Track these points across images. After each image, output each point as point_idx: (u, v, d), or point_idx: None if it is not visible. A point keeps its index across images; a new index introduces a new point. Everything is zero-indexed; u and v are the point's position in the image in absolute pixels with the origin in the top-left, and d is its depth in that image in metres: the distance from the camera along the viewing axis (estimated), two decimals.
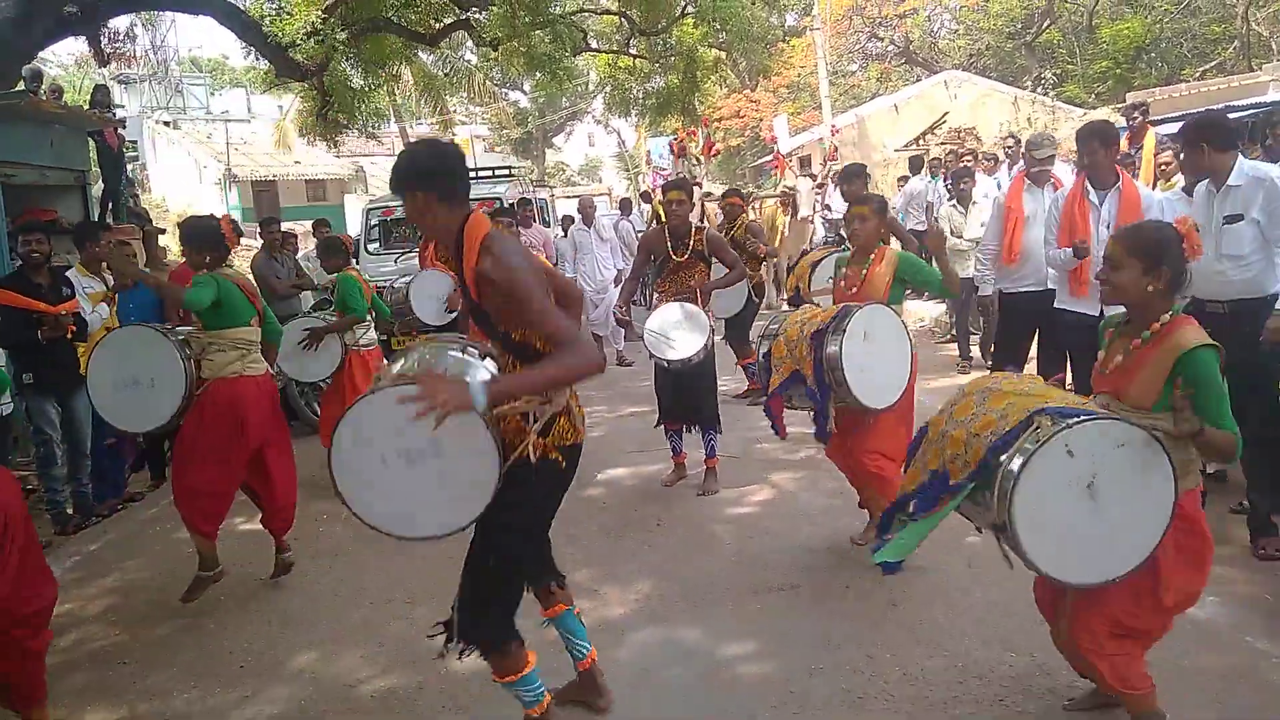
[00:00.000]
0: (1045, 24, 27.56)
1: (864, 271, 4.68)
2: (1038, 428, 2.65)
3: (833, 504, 5.55)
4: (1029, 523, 2.62)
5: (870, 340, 4.33)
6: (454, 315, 7.36)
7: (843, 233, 6.66)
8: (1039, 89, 24.99)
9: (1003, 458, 2.67)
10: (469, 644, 2.97)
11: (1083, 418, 2.62)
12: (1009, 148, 10.54)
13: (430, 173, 2.86)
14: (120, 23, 14.93)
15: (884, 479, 4.48)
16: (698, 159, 19.15)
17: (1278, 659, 3.48)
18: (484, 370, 3.10)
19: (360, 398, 2.92)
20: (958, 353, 9.10)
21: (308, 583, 5.01)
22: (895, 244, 5.09)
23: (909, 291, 4.99)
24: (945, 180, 10.13)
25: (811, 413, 4.57)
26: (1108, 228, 4.97)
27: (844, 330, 4.27)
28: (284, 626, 4.47)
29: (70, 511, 6.25)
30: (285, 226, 10.74)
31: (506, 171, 13.54)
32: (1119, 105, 17.29)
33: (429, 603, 4.52)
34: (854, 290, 4.67)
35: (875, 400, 4.39)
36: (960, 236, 8.54)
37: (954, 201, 8.90)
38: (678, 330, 5.75)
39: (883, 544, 3.16)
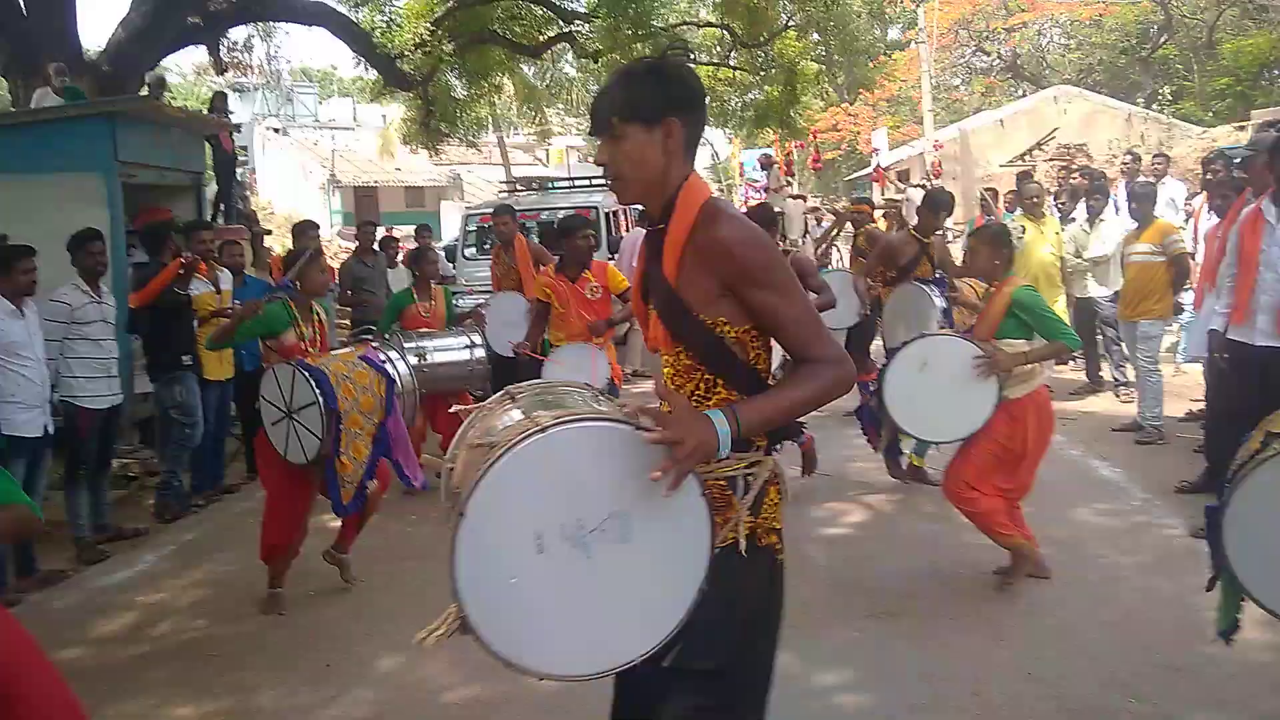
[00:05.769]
0: (1163, 39, 26.53)
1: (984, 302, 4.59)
2: None
3: (933, 529, 5.31)
4: None
5: (929, 370, 4.32)
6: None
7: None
8: (1153, 105, 24.04)
9: None
10: None
11: None
12: (1125, 164, 10.07)
13: (698, 101, 2.04)
14: (238, 34, 15.54)
15: (973, 511, 4.38)
16: (791, 178, 18.92)
17: None
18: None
19: (512, 441, 1.75)
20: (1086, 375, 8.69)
21: (396, 584, 4.99)
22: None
23: None
24: (1056, 200, 9.70)
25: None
26: None
27: (895, 357, 4.42)
28: (371, 627, 4.44)
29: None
30: (385, 231, 10.94)
31: (604, 181, 13.53)
32: (1240, 123, 16.50)
33: None
34: (971, 321, 4.66)
35: (929, 432, 4.59)
36: (1080, 256, 8.17)
37: (1085, 219, 8.40)
38: None
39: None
